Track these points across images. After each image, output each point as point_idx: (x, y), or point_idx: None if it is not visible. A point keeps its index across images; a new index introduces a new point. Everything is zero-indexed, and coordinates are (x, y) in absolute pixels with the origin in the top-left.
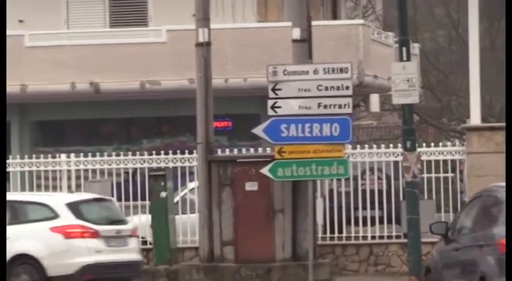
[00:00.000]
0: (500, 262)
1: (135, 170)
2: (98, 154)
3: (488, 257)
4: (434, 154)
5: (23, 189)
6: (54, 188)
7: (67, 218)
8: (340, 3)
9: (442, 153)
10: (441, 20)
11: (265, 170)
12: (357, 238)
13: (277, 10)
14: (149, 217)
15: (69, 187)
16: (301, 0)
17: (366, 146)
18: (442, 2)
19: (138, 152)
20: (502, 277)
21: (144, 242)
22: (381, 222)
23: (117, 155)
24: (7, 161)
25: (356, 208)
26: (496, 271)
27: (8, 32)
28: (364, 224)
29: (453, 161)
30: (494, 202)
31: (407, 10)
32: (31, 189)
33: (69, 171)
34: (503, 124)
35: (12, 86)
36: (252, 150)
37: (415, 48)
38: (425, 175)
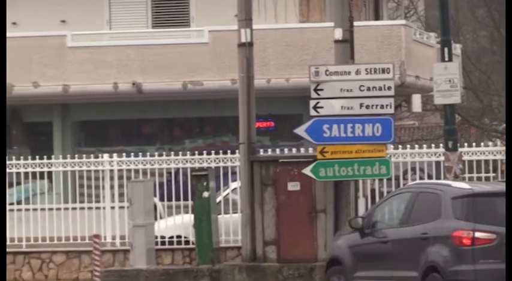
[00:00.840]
0: (455, 252)
1: (177, 170)
2: (140, 154)
3: (439, 248)
4: (475, 153)
5: (65, 189)
6: (97, 188)
7: None
8: (382, 4)
9: (484, 153)
10: (483, 21)
11: (307, 170)
12: None
13: (319, 10)
14: (192, 216)
15: (111, 186)
16: (343, 1)
17: (408, 146)
18: (484, 3)
19: (180, 152)
20: (456, 266)
21: (187, 242)
22: None
23: (160, 155)
24: (50, 160)
25: None
26: (451, 260)
27: (50, 32)
28: None
29: (494, 161)
30: (435, 199)
31: (449, 11)
32: (73, 189)
33: (111, 171)
34: None
35: (54, 86)
36: (294, 150)
37: (457, 48)
38: (466, 175)
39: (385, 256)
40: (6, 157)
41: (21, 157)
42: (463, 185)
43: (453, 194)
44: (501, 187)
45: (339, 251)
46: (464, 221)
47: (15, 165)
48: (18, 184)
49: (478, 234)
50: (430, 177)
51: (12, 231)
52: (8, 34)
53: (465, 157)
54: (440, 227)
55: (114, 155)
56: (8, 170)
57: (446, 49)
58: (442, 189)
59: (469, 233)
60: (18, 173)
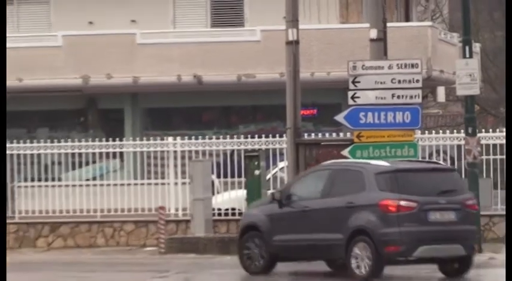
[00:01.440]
0: (382, 218)
1: (232, 152)
2: (200, 137)
3: (366, 215)
4: (492, 138)
5: (135, 167)
6: (162, 167)
7: None
8: (412, 7)
9: (499, 138)
10: (500, 22)
11: (345, 152)
12: None
13: (357, 13)
14: (244, 191)
15: (175, 165)
16: (378, 4)
17: (433, 131)
18: (501, 7)
19: (235, 136)
20: (384, 229)
21: (240, 214)
22: None
23: (217, 138)
24: (121, 142)
25: None
26: (379, 224)
27: (121, 31)
28: None
29: None
30: (357, 174)
31: (470, 13)
32: (142, 167)
33: (175, 152)
34: None
35: (125, 78)
36: (334, 134)
37: (477, 47)
38: (484, 157)
39: (306, 222)
40: (83, 140)
41: (97, 139)
42: (383, 163)
43: (376, 170)
44: (416, 164)
45: (255, 218)
46: (389, 192)
47: (91, 146)
48: (94, 162)
49: (402, 202)
50: (452, 158)
51: (88, 203)
52: (84, 32)
53: (483, 141)
54: (366, 197)
55: (178, 138)
56: (84, 151)
57: (467, 47)
58: (363, 166)
59: (395, 202)
60: (93, 153)
